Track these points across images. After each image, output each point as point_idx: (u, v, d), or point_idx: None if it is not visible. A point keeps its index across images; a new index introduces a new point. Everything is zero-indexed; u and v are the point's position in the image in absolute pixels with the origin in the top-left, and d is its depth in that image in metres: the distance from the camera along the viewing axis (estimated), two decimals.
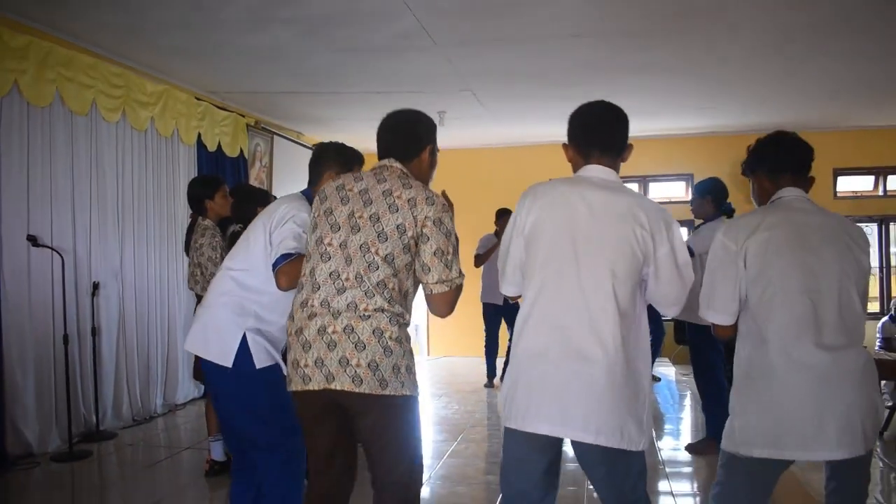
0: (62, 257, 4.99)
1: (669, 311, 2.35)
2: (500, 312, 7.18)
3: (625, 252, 2.14)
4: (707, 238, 3.87)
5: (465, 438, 5.39)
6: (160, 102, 6.15)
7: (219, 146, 7.08)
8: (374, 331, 2.18)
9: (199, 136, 6.77)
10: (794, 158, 2.44)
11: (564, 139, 2.38)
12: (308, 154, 2.95)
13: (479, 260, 7.09)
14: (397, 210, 2.24)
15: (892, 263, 9.58)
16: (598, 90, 2.34)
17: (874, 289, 9.34)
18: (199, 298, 4.10)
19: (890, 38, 5.40)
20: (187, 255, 4.57)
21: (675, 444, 5.28)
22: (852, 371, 2.21)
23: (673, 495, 4.06)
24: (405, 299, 2.31)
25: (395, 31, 5.14)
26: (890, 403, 5.47)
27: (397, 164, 2.38)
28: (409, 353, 2.29)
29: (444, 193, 2.48)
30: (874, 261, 9.27)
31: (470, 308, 7.25)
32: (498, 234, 7.26)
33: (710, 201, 4.78)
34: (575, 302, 2.14)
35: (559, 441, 2.22)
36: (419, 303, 2.49)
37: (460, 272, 2.32)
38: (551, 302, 2.18)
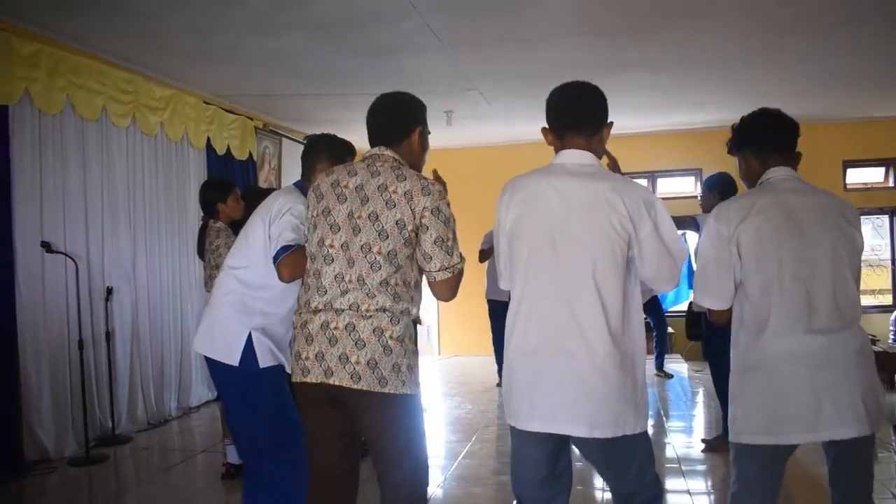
0: (76, 263, 5.03)
1: (665, 288, 2.30)
2: (505, 309, 7.12)
3: (603, 242, 2.11)
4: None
5: (479, 438, 5.40)
6: (169, 107, 6.18)
7: (228, 149, 7.11)
8: (374, 329, 2.20)
9: (208, 139, 6.80)
10: (781, 136, 2.41)
11: None
12: None
13: (484, 255, 7.08)
14: (395, 206, 2.23)
15: None
16: (604, 87, 2.32)
17: (886, 281, 9.29)
18: None
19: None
20: (200, 257, 4.61)
21: (688, 440, 5.28)
22: (849, 352, 2.20)
23: (689, 494, 4.06)
24: (413, 289, 2.31)
25: (401, 31, 5.15)
26: None
27: (389, 152, 2.35)
28: (412, 352, 2.28)
29: (435, 172, 2.48)
30: (885, 253, 9.22)
31: (479, 306, 7.28)
32: None
33: (717, 195, 4.79)
34: (558, 298, 2.14)
35: (560, 438, 2.21)
36: (428, 303, 2.51)
37: (461, 256, 2.32)
38: (535, 299, 2.19)
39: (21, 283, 4.77)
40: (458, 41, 5.45)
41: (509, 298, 2.35)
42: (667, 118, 8.67)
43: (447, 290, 2.33)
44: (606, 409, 2.09)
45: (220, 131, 6.97)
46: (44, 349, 4.91)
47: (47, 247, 4.89)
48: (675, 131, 9.34)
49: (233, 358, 2.70)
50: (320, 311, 2.26)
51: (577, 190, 2.17)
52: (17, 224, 4.75)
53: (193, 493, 4.36)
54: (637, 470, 2.23)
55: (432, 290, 2.35)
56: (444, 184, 2.40)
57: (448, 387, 7.70)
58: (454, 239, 2.30)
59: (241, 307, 2.73)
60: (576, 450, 2.32)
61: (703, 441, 4.97)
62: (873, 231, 9.18)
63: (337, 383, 2.20)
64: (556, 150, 2.30)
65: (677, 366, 8.37)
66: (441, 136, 8.56)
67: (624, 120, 8.17)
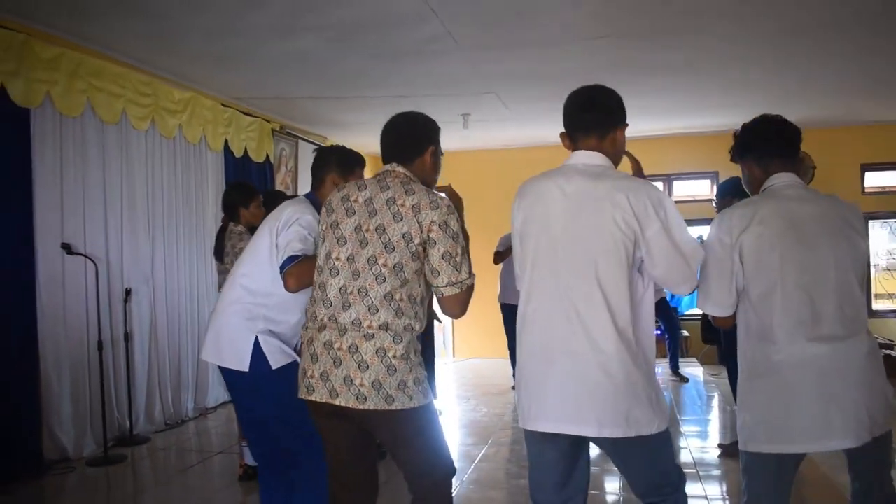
0: (95, 265, 5.07)
1: (679, 290, 2.27)
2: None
3: (607, 240, 2.10)
4: None
5: (496, 442, 5.40)
6: (187, 110, 6.23)
7: (245, 152, 7.15)
8: (377, 351, 2.19)
9: (226, 142, 6.84)
10: (782, 143, 2.39)
11: None
12: None
13: (499, 256, 7.05)
14: (402, 218, 2.23)
15: None
16: (621, 90, 2.31)
17: None
18: None
19: None
20: (217, 259, 4.61)
21: (703, 444, 5.26)
22: (855, 359, 2.19)
23: (707, 499, 4.03)
24: (418, 305, 2.30)
25: (420, 35, 5.16)
26: None
27: (400, 169, 2.36)
28: (417, 366, 2.27)
29: (450, 187, 2.48)
30: None
31: (494, 309, 7.27)
32: None
33: (730, 201, 4.79)
34: (561, 298, 2.13)
35: (574, 439, 2.20)
36: None
37: (470, 272, 2.31)
38: (541, 300, 2.19)
39: (42, 284, 4.82)
40: (477, 45, 5.45)
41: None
42: (682, 121, 8.63)
43: (456, 305, 2.31)
44: (612, 408, 2.08)
45: (238, 133, 7.01)
46: (63, 350, 4.96)
47: (67, 248, 4.94)
48: (691, 134, 9.30)
49: (242, 363, 2.70)
50: (325, 327, 2.26)
51: (583, 189, 2.17)
52: (38, 226, 4.80)
53: (210, 493, 4.38)
54: (659, 471, 2.22)
55: (441, 305, 2.34)
56: (459, 199, 2.40)
57: (463, 389, 7.70)
58: (463, 254, 2.28)
59: (245, 314, 2.73)
60: (592, 453, 2.31)
61: (720, 446, 4.95)
62: (890, 235, 9.09)
63: (343, 404, 2.20)
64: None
65: (693, 370, 8.32)
66: (458, 138, 8.58)
67: (640, 123, 8.15)
